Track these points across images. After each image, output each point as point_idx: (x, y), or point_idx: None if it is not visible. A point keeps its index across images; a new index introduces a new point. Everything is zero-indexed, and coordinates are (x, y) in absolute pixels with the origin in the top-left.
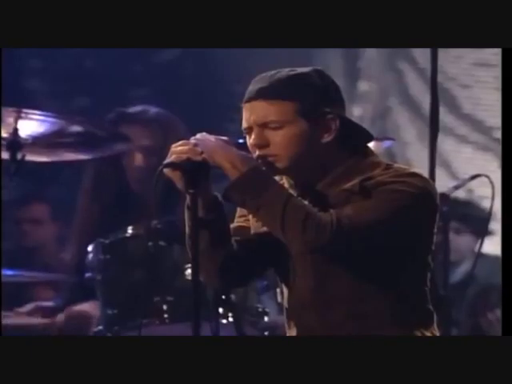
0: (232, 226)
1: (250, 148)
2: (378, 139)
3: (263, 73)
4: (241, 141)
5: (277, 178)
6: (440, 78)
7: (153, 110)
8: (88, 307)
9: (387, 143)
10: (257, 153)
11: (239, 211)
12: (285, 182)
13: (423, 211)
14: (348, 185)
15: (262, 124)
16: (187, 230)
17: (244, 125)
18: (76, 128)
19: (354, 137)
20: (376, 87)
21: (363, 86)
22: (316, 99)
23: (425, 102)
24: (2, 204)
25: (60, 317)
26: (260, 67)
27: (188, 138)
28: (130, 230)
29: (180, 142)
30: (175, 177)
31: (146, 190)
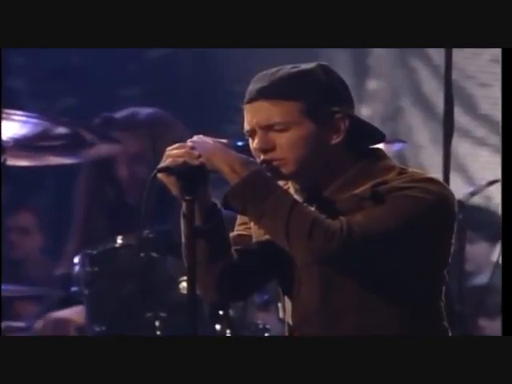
0: (232, 234)
1: (253, 152)
2: (388, 142)
3: (266, 69)
4: (240, 143)
5: (281, 182)
6: (455, 76)
7: (142, 112)
8: (70, 313)
9: (398, 146)
10: (261, 157)
11: (239, 219)
12: (291, 186)
13: (440, 219)
14: (359, 190)
15: (265, 126)
16: (183, 239)
17: (246, 127)
18: (61, 130)
19: (365, 137)
20: (386, 86)
21: (372, 84)
22: (322, 97)
23: (439, 101)
24: (1, 211)
25: (39, 323)
26: (261, 65)
27: (184, 140)
28: (119, 240)
29: (175, 145)
30: (170, 182)
31: (137, 199)
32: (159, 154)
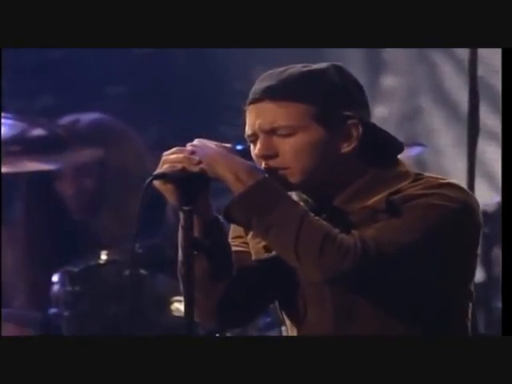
0: None
1: (254, 159)
2: (405, 145)
3: (267, 68)
4: (239, 147)
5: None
6: (482, 71)
7: (85, 119)
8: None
9: (417, 150)
10: (263, 165)
11: (233, 231)
12: (296, 197)
13: (464, 229)
14: (372, 200)
15: (269, 130)
16: (180, 255)
17: (248, 131)
18: (39, 132)
19: (380, 147)
20: (403, 83)
21: (388, 81)
22: (334, 100)
23: (463, 100)
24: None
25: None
26: (263, 61)
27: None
28: (103, 256)
29: (173, 149)
30: (167, 190)
31: (91, 217)
32: (109, 166)
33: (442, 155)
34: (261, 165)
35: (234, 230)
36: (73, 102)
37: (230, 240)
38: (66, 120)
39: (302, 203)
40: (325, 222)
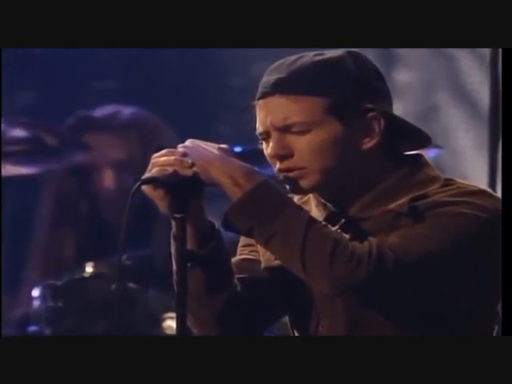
0: (234, 259)
1: (268, 159)
2: None
3: (269, 60)
4: (238, 149)
5: (298, 196)
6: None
7: (126, 112)
8: None
9: (433, 152)
10: (277, 165)
11: (243, 240)
12: (311, 200)
13: (495, 242)
14: (394, 204)
15: (282, 127)
16: (174, 267)
17: (259, 129)
18: (19, 133)
19: (405, 141)
20: (419, 78)
21: (402, 76)
22: (352, 92)
23: (485, 97)
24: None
25: None
26: (264, 55)
27: (175, 147)
28: (89, 268)
29: (164, 151)
30: (157, 196)
31: (119, 217)
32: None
33: (461, 158)
34: (275, 165)
35: (244, 238)
36: (56, 99)
37: (239, 248)
38: (105, 110)
39: (316, 206)
40: (334, 229)
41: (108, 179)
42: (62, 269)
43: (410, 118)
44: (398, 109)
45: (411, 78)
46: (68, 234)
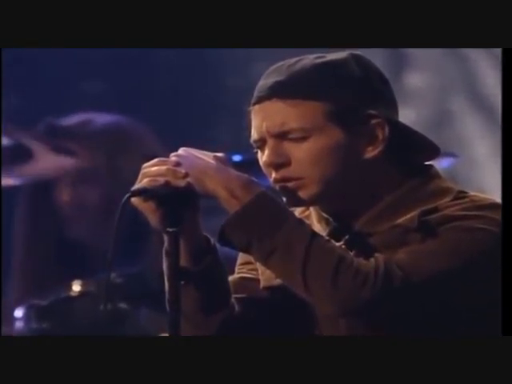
0: (232, 278)
1: (263, 168)
2: None
3: (269, 63)
4: (236, 158)
5: (299, 209)
6: None
7: (99, 120)
8: None
9: (447, 161)
10: (273, 175)
11: (242, 257)
12: (312, 214)
13: None
14: (402, 219)
15: (278, 134)
16: (166, 285)
17: (254, 135)
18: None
19: (412, 150)
20: (432, 82)
21: (413, 80)
22: (355, 96)
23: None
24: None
25: None
26: (263, 54)
27: (167, 155)
28: (76, 287)
29: (155, 161)
30: (148, 209)
31: (89, 235)
32: (116, 174)
33: (477, 167)
34: (270, 174)
35: (242, 255)
36: (41, 102)
37: (237, 266)
38: (77, 118)
39: (318, 221)
40: (337, 245)
41: (67, 193)
42: (43, 288)
43: (421, 125)
44: (411, 115)
45: (423, 82)
46: (42, 253)
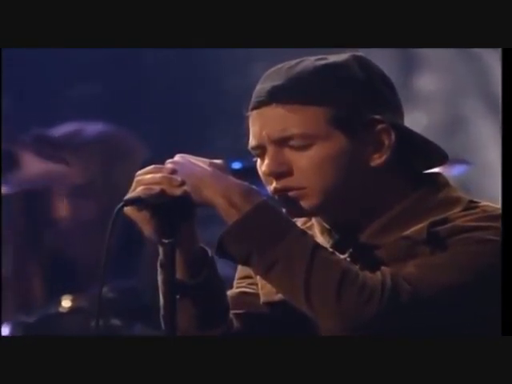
0: (230, 292)
1: (262, 177)
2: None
3: (270, 64)
4: (236, 166)
5: (301, 220)
6: None
7: (89, 130)
8: None
9: (459, 168)
10: (273, 185)
11: (240, 271)
12: (315, 225)
13: None
14: (410, 230)
15: (279, 141)
16: (161, 299)
17: (252, 142)
18: None
19: (419, 157)
20: (443, 85)
21: (423, 83)
22: (358, 101)
23: None
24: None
25: None
26: (263, 55)
27: (162, 163)
28: (65, 303)
29: (149, 168)
30: (142, 219)
31: (80, 247)
32: (109, 185)
33: (491, 175)
34: (270, 184)
35: (241, 269)
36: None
37: (236, 280)
38: (66, 129)
39: (321, 233)
40: (342, 258)
41: (62, 207)
42: (31, 304)
43: (432, 130)
44: (420, 120)
45: (435, 85)
46: (30, 266)
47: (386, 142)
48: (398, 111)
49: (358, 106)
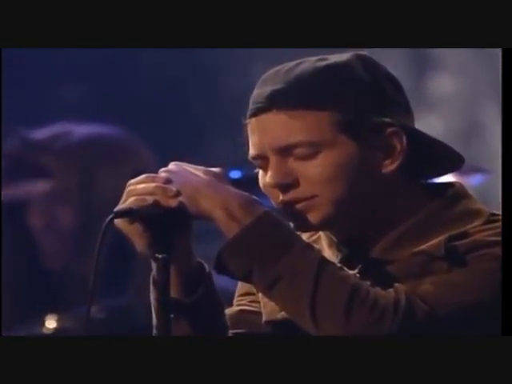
0: (230, 311)
1: (264, 190)
2: (461, 171)
3: (270, 64)
4: (235, 175)
5: (307, 234)
6: None
7: (77, 132)
8: None
9: (477, 178)
10: (280, 197)
11: (241, 287)
12: (322, 238)
13: None
14: (426, 245)
15: (282, 150)
16: (154, 319)
17: (252, 152)
18: None
19: (433, 162)
20: (459, 89)
21: (438, 86)
22: (364, 103)
23: None
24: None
25: None
26: (264, 55)
27: (156, 171)
28: (50, 323)
29: (142, 177)
30: (134, 232)
31: (65, 263)
32: (95, 193)
33: None
34: (275, 197)
35: (242, 285)
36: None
37: (236, 298)
38: (51, 131)
39: (329, 247)
40: (351, 273)
41: (39, 216)
42: (12, 324)
43: (448, 137)
44: (434, 125)
45: (450, 89)
46: (11, 283)
47: (398, 147)
48: (407, 113)
49: (365, 108)
